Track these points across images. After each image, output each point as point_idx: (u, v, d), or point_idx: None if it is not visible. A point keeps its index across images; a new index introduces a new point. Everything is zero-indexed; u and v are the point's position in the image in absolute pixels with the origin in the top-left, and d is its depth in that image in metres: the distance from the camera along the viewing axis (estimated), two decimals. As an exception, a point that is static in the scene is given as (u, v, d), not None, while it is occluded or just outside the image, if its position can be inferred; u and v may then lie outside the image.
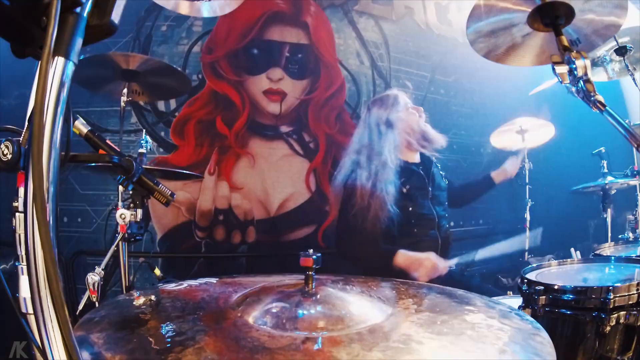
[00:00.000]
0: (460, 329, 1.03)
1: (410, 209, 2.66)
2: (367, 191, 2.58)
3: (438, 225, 2.72)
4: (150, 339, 0.98)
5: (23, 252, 0.66)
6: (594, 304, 1.52)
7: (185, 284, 1.45)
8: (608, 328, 1.47)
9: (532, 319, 1.11)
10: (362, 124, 2.94)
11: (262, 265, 4.10)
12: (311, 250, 1.18)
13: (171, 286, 1.45)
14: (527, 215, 3.68)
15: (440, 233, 2.71)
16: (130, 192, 1.83)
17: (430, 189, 2.74)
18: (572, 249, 2.12)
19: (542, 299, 1.59)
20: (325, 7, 4.43)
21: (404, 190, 2.65)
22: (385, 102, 2.81)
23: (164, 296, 1.35)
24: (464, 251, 2.73)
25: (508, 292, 2.89)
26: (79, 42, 0.70)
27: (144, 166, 1.82)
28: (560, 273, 1.91)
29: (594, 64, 2.72)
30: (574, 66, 1.30)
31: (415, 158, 2.82)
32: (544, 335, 0.99)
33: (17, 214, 0.73)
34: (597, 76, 2.71)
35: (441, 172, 2.96)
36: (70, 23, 0.69)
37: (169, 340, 0.96)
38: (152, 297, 1.34)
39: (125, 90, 2.69)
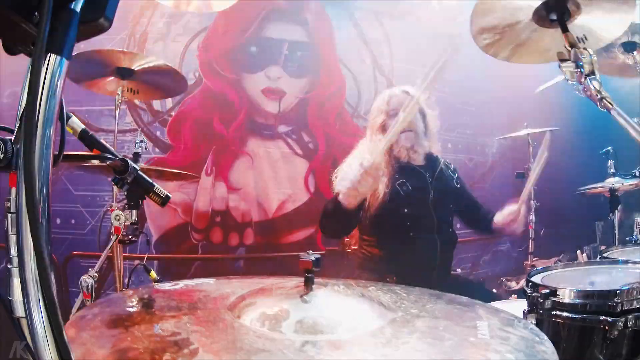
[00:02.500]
0: (462, 336, 1.02)
1: (406, 210, 2.62)
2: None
3: (438, 229, 2.67)
4: (144, 339, 0.96)
5: (15, 254, 0.65)
6: (601, 308, 1.49)
7: (181, 283, 1.43)
8: (616, 332, 1.44)
9: (535, 328, 1.10)
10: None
11: (260, 268, 4.08)
12: (311, 252, 1.17)
13: (167, 286, 1.42)
14: (532, 217, 3.64)
15: (440, 237, 2.66)
16: (125, 193, 1.81)
17: (431, 191, 2.69)
18: (579, 252, 2.09)
19: (548, 302, 1.56)
20: (326, 4, 4.40)
21: (402, 192, 2.61)
22: (389, 101, 2.77)
23: (158, 295, 1.33)
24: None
25: (513, 295, 2.86)
26: (72, 38, 0.69)
27: (139, 166, 1.79)
28: (567, 276, 1.88)
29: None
30: (581, 63, 1.29)
31: (418, 159, 2.75)
32: (548, 345, 0.97)
33: (8, 215, 0.71)
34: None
35: (452, 175, 2.85)
36: (63, 19, 0.68)
37: (163, 340, 0.94)
38: (146, 296, 1.32)
39: (120, 89, 2.67)
